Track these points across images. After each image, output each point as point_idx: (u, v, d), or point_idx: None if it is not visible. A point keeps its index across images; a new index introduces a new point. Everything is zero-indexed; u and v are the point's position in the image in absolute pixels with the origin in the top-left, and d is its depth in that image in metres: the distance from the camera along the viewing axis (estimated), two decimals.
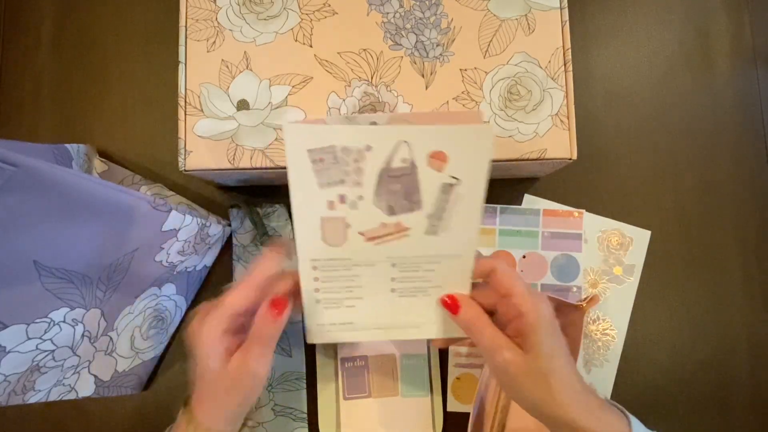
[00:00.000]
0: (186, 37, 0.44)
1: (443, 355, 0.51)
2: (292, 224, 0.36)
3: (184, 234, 0.42)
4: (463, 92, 0.44)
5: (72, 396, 0.43)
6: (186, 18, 0.44)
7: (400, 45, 0.44)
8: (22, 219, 0.32)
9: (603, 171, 0.54)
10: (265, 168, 0.43)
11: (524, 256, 0.52)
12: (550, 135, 0.43)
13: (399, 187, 0.34)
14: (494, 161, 0.40)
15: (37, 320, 0.37)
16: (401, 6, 0.44)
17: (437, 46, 0.44)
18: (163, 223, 0.39)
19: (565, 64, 0.44)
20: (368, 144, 0.33)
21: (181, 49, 0.44)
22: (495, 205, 0.53)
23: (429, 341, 0.51)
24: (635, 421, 0.35)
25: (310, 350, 0.52)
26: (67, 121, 0.54)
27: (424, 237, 0.36)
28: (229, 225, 0.51)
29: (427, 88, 0.44)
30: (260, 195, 0.53)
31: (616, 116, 0.55)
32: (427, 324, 0.39)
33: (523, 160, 0.43)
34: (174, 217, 0.40)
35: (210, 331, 0.34)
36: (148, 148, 0.54)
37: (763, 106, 0.55)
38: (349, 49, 0.44)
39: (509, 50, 0.44)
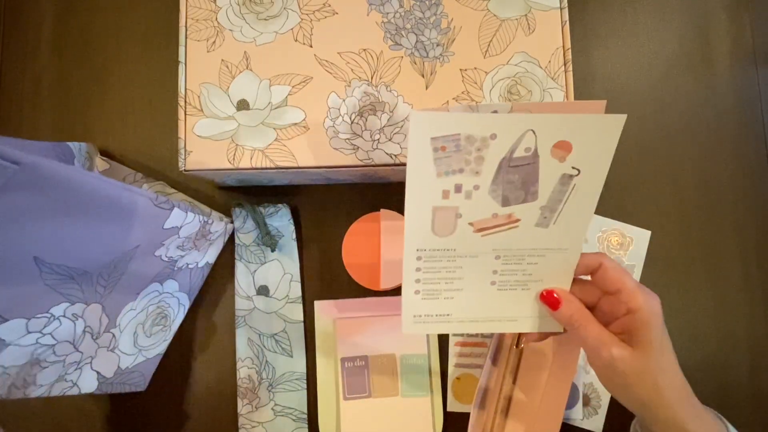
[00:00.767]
0: (186, 37, 0.44)
1: (443, 355, 0.51)
2: (405, 213, 0.36)
3: (186, 231, 0.42)
4: (463, 92, 0.44)
5: (74, 392, 0.43)
6: (186, 18, 0.44)
7: (400, 45, 0.44)
8: (24, 216, 0.31)
9: None
10: (265, 168, 0.43)
11: None
12: None
13: (518, 177, 0.34)
14: None
15: (38, 315, 0.37)
16: (401, 6, 0.44)
17: (437, 46, 0.44)
18: (165, 221, 0.40)
19: (565, 64, 0.44)
20: (494, 132, 0.33)
21: (181, 49, 0.44)
22: None
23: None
24: (732, 429, 0.35)
25: (311, 350, 0.52)
26: (67, 121, 0.54)
27: (534, 229, 0.36)
28: (232, 222, 0.51)
29: (427, 88, 0.44)
30: (260, 195, 0.53)
31: None
32: (524, 318, 0.39)
33: None
34: (176, 214, 0.40)
35: None
36: (148, 148, 0.54)
37: (763, 106, 0.55)
38: (349, 49, 0.44)
39: (509, 50, 0.44)
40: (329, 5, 0.44)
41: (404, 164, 0.43)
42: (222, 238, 0.51)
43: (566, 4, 0.44)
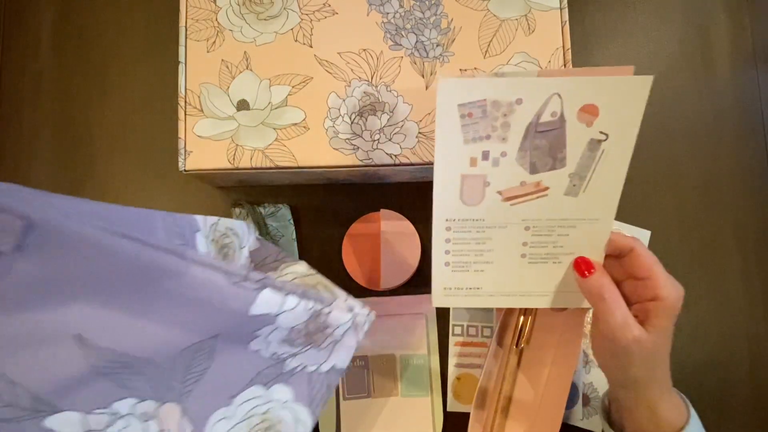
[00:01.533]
0: (186, 37, 0.44)
1: (443, 355, 0.51)
2: (433, 181, 0.35)
3: (288, 320, 0.33)
4: None
5: None
6: (186, 18, 0.44)
7: (400, 45, 0.44)
8: (52, 283, 0.27)
9: None
10: (265, 168, 0.43)
11: None
12: None
13: (545, 143, 0.34)
14: None
15: (98, 410, 0.30)
16: (401, 6, 0.44)
17: (437, 46, 0.44)
18: (250, 305, 0.31)
19: (565, 64, 0.44)
20: (519, 97, 0.33)
21: (181, 49, 0.44)
22: None
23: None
24: (693, 411, 0.37)
25: None
26: (67, 121, 0.54)
27: (563, 198, 0.36)
28: (368, 314, 0.38)
29: (427, 88, 0.44)
30: (260, 195, 0.53)
31: None
32: (555, 293, 0.39)
33: None
34: (267, 298, 0.31)
35: None
36: (148, 148, 0.54)
37: (763, 106, 0.55)
38: (349, 49, 0.44)
39: (509, 50, 0.44)
40: (329, 5, 0.44)
41: (404, 164, 0.43)
42: (353, 335, 0.37)
43: (566, 4, 0.44)
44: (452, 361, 0.51)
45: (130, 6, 0.55)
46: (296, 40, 0.44)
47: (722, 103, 0.55)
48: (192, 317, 0.31)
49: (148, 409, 0.32)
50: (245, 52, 0.44)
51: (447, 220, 0.37)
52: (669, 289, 0.35)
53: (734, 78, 0.55)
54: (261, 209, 0.52)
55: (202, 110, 0.43)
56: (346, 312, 0.36)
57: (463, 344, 0.51)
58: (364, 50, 0.44)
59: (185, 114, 0.43)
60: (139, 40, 0.55)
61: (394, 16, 0.44)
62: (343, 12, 0.45)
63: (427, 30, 0.44)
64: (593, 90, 0.33)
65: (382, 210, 0.51)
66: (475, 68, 0.44)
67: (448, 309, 0.52)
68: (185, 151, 0.43)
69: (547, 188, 0.36)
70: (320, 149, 0.43)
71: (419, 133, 0.43)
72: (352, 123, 0.43)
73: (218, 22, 0.44)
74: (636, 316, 0.35)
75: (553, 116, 0.33)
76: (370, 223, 0.50)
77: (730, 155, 0.54)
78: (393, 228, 0.50)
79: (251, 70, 0.44)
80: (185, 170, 0.43)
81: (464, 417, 0.48)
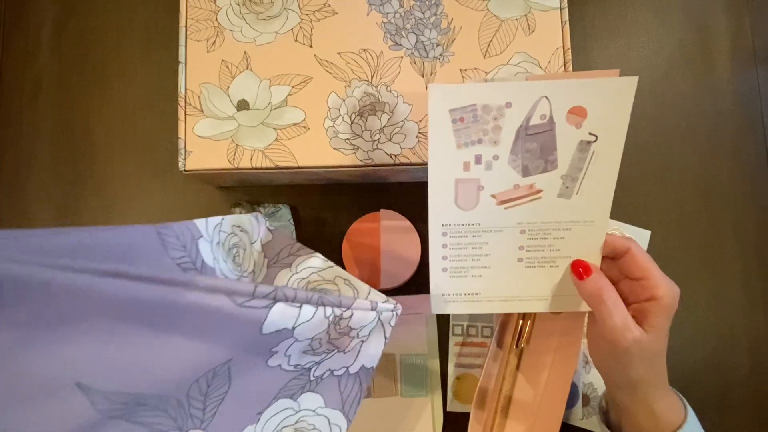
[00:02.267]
0: (186, 38, 0.44)
1: (443, 355, 0.51)
2: (428, 187, 0.36)
3: (307, 331, 0.31)
4: None
5: None
6: (186, 18, 0.44)
7: (400, 45, 0.44)
8: (39, 331, 0.24)
9: None
10: (265, 168, 0.43)
11: None
12: None
13: (535, 145, 0.35)
14: None
15: None
16: (401, 6, 0.44)
17: (437, 46, 0.44)
18: (261, 324, 0.29)
19: (565, 65, 0.44)
20: (509, 101, 0.34)
21: (181, 49, 0.44)
22: None
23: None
24: (690, 409, 0.37)
25: None
26: (67, 121, 0.54)
27: (557, 200, 0.36)
28: (394, 308, 0.35)
29: (427, 88, 0.44)
30: (260, 195, 0.53)
31: None
32: (553, 297, 0.39)
33: None
34: (280, 313, 0.29)
35: None
36: (148, 148, 0.54)
37: (763, 106, 0.55)
38: (349, 49, 0.44)
39: (509, 50, 0.44)
40: (329, 5, 0.44)
41: (404, 164, 0.43)
42: (380, 332, 0.36)
43: (566, 4, 0.44)
44: (452, 361, 0.51)
45: (130, 6, 0.55)
46: (296, 40, 0.44)
47: (722, 103, 0.55)
48: (201, 346, 0.29)
49: None
50: (245, 52, 0.44)
51: (443, 225, 0.37)
52: (665, 289, 0.35)
53: (734, 78, 0.55)
54: (261, 209, 0.52)
55: (202, 110, 0.43)
56: (369, 311, 0.33)
57: (463, 344, 0.51)
58: (364, 50, 0.44)
59: (185, 114, 0.43)
60: (139, 40, 0.55)
61: (394, 16, 0.44)
62: (343, 12, 0.44)
63: (427, 30, 0.44)
64: (580, 92, 0.33)
65: (382, 210, 0.51)
66: (475, 68, 0.44)
67: None
68: (185, 151, 0.43)
69: (540, 191, 0.36)
70: (320, 149, 0.43)
71: (419, 133, 0.43)
72: (352, 123, 0.43)
73: (218, 22, 0.44)
74: (633, 317, 0.35)
75: (542, 119, 0.34)
76: (370, 223, 0.50)
77: (730, 155, 0.54)
78: (393, 228, 0.50)
79: (251, 70, 0.44)
80: (185, 170, 0.43)
81: (464, 417, 0.48)
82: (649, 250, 0.53)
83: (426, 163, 0.43)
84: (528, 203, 0.36)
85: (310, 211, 0.53)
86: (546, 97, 0.33)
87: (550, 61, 0.44)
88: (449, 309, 0.40)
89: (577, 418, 0.50)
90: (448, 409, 0.51)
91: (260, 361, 0.32)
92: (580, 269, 0.37)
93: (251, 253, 0.39)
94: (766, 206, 0.53)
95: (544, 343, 0.46)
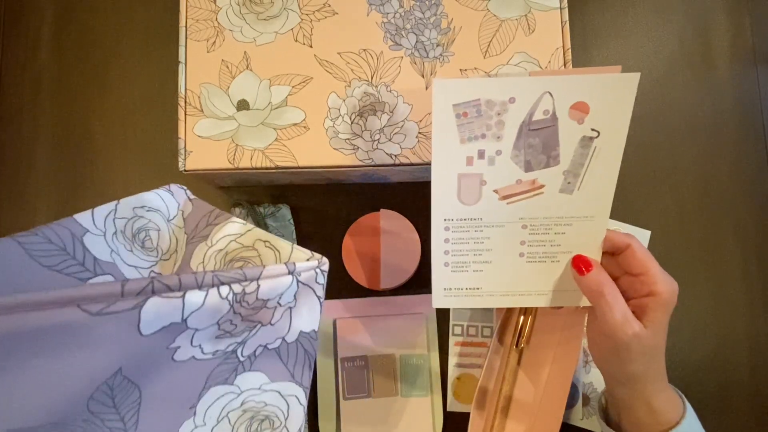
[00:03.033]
0: (186, 37, 0.44)
1: (443, 355, 0.51)
2: (431, 181, 0.36)
3: (205, 319, 0.27)
4: None
5: None
6: (186, 18, 0.44)
7: (400, 45, 0.44)
8: None
9: None
10: (265, 168, 0.43)
11: None
12: None
13: (538, 141, 0.35)
14: None
15: None
16: (401, 6, 0.44)
17: (437, 46, 0.44)
18: (137, 326, 0.25)
19: (565, 64, 0.44)
20: (512, 96, 0.34)
21: (181, 49, 0.44)
22: None
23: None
24: (689, 406, 0.37)
25: None
26: (67, 121, 0.54)
27: (559, 196, 0.36)
28: (317, 266, 0.32)
29: (427, 88, 0.44)
30: (260, 195, 0.53)
31: None
32: (554, 292, 0.39)
33: None
34: (155, 312, 0.25)
35: None
36: (148, 148, 0.54)
37: (763, 106, 0.55)
38: (349, 49, 0.44)
39: (509, 50, 0.44)
40: (329, 5, 0.44)
41: (404, 164, 0.43)
42: (309, 293, 0.32)
43: (566, 4, 0.44)
44: (452, 361, 0.51)
45: (130, 6, 0.55)
46: (296, 40, 0.44)
47: (722, 102, 0.55)
48: (75, 363, 0.25)
49: None
50: (245, 52, 0.44)
51: (445, 219, 0.37)
52: (664, 285, 0.35)
53: (734, 78, 0.55)
54: (261, 209, 0.52)
55: (202, 110, 0.43)
56: (283, 276, 0.29)
57: (463, 344, 0.51)
58: (364, 50, 0.44)
59: (185, 114, 0.43)
60: (139, 40, 0.55)
61: (394, 16, 0.44)
62: (343, 12, 0.45)
63: (427, 30, 0.44)
64: (583, 87, 0.34)
65: (382, 210, 0.51)
66: (475, 68, 0.44)
67: (448, 309, 0.52)
68: (185, 151, 0.43)
69: (542, 186, 0.36)
70: (320, 149, 0.43)
71: (419, 133, 0.43)
72: (352, 123, 0.43)
73: (218, 22, 0.44)
74: (633, 312, 0.35)
75: (545, 114, 0.34)
76: (370, 223, 0.50)
77: (729, 155, 0.54)
78: (393, 228, 0.50)
79: (251, 70, 0.44)
80: (185, 170, 0.43)
81: (464, 417, 0.48)
82: (649, 250, 0.52)
83: (426, 163, 0.43)
84: (530, 198, 0.37)
85: (310, 211, 0.53)
86: (549, 92, 0.34)
87: (550, 61, 0.44)
88: (450, 303, 0.40)
89: (577, 418, 0.50)
90: (448, 409, 0.51)
91: (163, 359, 0.28)
92: (580, 264, 0.37)
93: (169, 232, 0.35)
94: (766, 206, 0.53)
95: (546, 338, 0.46)
